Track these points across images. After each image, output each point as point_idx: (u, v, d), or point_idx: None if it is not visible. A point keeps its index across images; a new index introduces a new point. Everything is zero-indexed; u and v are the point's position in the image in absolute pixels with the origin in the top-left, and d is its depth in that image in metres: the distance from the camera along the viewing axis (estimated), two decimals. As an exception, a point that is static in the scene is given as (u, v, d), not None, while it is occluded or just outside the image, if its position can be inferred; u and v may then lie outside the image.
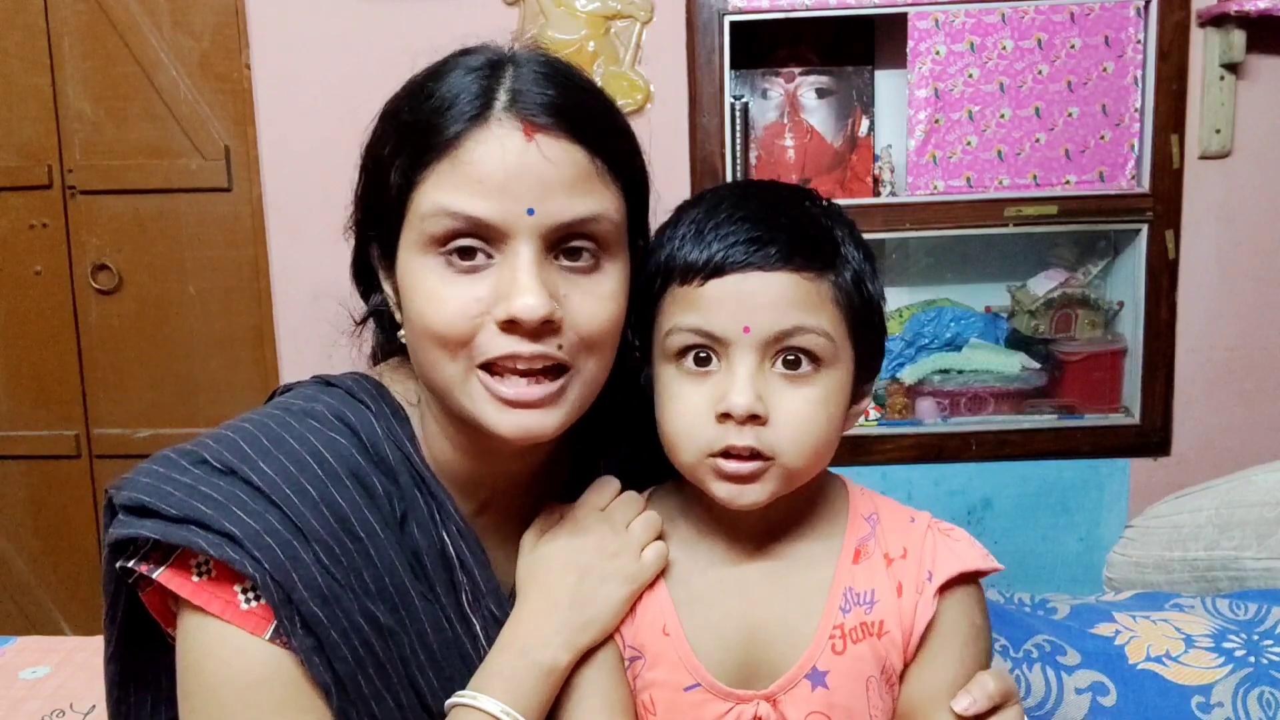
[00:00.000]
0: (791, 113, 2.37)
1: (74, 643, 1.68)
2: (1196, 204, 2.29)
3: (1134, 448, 2.37)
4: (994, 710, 0.81)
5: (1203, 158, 2.28)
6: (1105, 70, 2.25)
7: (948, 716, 0.81)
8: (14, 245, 2.46)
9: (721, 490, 0.81)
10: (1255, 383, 2.36)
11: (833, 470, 0.91)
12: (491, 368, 0.79)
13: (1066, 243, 2.42)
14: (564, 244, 0.79)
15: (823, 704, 0.82)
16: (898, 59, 2.31)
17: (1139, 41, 2.24)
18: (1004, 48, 2.25)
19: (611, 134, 0.82)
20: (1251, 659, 1.18)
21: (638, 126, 0.87)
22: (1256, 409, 2.37)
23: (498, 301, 0.77)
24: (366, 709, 0.81)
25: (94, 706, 1.46)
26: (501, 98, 0.78)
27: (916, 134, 2.28)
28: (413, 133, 0.80)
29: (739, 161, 2.32)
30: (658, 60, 2.30)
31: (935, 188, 2.29)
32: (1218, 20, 2.19)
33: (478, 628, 0.88)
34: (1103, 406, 2.40)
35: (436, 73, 0.82)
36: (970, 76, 2.26)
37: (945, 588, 0.83)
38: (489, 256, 0.78)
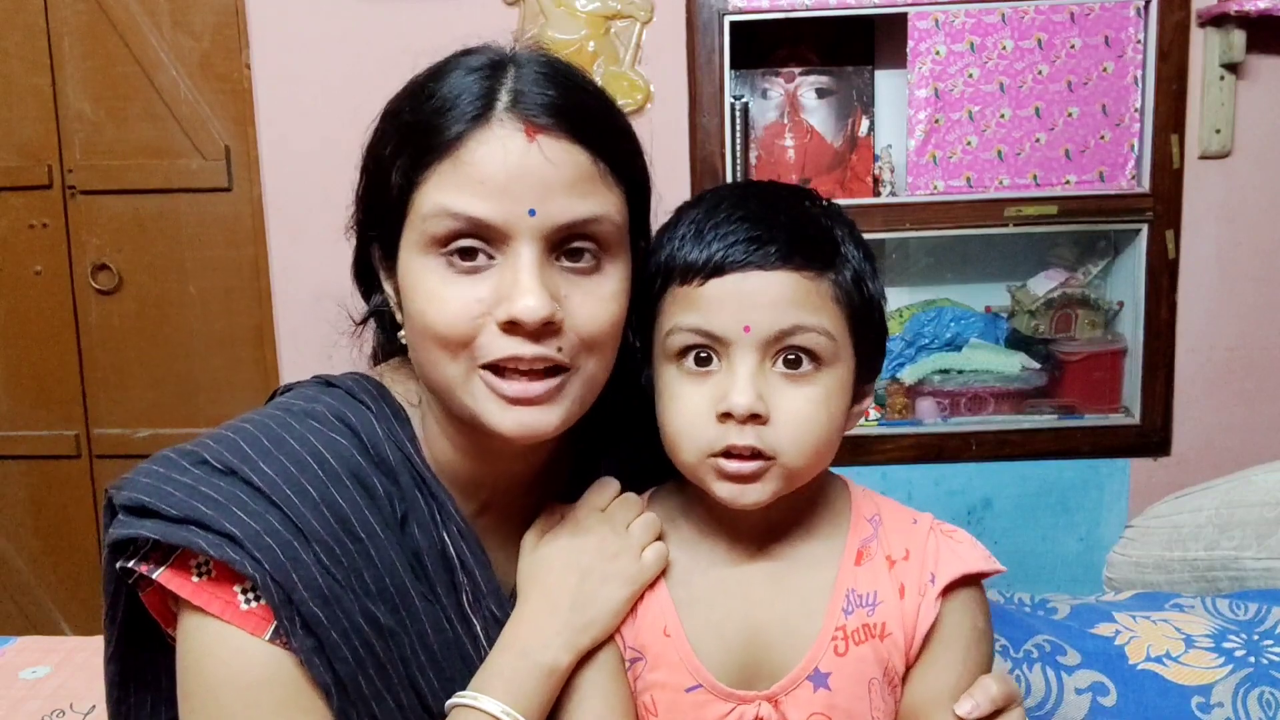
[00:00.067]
0: (791, 113, 2.37)
1: (74, 643, 1.68)
2: (1196, 204, 2.29)
3: (1134, 448, 2.37)
4: (996, 714, 0.81)
5: (1203, 158, 2.28)
6: (1105, 70, 2.25)
7: (950, 719, 0.81)
8: (14, 245, 2.46)
9: (723, 490, 0.81)
10: (1255, 383, 2.36)
11: (833, 471, 0.91)
12: (494, 368, 0.79)
13: (1066, 243, 2.42)
14: (565, 245, 0.79)
15: (824, 705, 0.82)
16: (898, 59, 2.31)
17: (1139, 41, 2.24)
18: (1004, 48, 2.25)
19: (613, 135, 0.82)
20: (1251, 659, 1.18)
21: (638, 126, 0.87)
22: (1256, 409, 2.37)
23: (499, 302, 0.77)
24: (367, 709, 0.81)
25: (94, 706, 1.46)
26: (503, 98, 0.78)
27: (916, 134, 2.28)
28: (414, 133, 0.80)
29: (739, 161, 2.32)
30: (658, 60, 2.30)
31: (935, 188, 2.29)
32: (1218, 20, 2.19)
33: (478, 628, 0.88)
34: (1103, 406, 2.40)
35: (438, 73, 0.82)
36: (970, 76, 2.26)
37: (948, 590, 0.83)
38: (490, 257, 0.78)
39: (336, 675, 0.79)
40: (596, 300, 0.81)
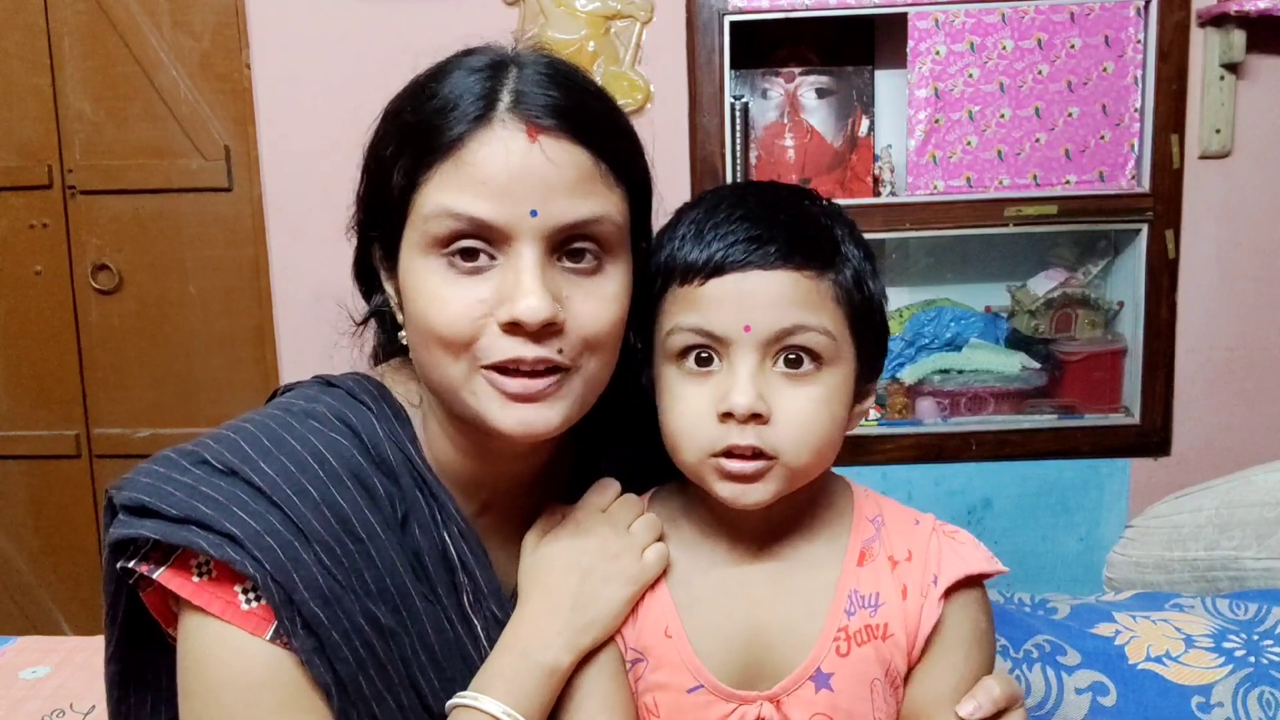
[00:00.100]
0: (791, 113, 2.37)
1: (74, 643, 1.68)
2: (1196, 204, 2.29)
3: (1134, 448, 2.37)
4: (999, 714, 0.81)
5: (1203, 158, 2.28)
6: (1105, 70, 2.25)
7: (952, 720, 0.82)
8: (14, 245, 2.46)
9: (724, 490, 0.81)
10: (1255, 383, 2.36)
11: (835, 471, 0.91)
12: (495, 368, 0.79)
13: (1066, 243, 2.42)
14: (567, 245, 0.79)
15: (827, 706, 0.82)
16: (898, 59, 2.31)
17: (1139, 41, 2.24)
18: (1004, 48, 2.25)
19: (614, 135, 0.82)
20: (1251, 659, 1.18)
21: (638, 126, 0.86)
22: (1256, 409, 2.37)
23: (501, 303, 0.77)
24: (367, 710, 0.81)
25: (94, 706, 1.46)
26: (505, 99, 0.78)
27: (916, 134, 2.28)
28: (415, 133, 0.80)
29: (739, 161, 2.32)
30: (658, 60, 2.30)
31: (935, 188, 2.29)
32: (1218, 20, 2.19)
33: (479, 629, 0.88)
34: (1103, 406, 2.40)
35: (439, 73, 0.82)
36: (970, 76, 2.26)
37: (950, 591, 0.83)
38: (492, 258, 0.78)
39: (337, 675, 0.79)
40: (598, 301, 0.80)
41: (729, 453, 0.80)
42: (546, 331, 0.77)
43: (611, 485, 0.92)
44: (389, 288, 0.87)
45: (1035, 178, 2.29)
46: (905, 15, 2.24)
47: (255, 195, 2.38)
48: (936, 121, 2.27)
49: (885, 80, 2.38)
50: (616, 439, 0.96)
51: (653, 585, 0.86)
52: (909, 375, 2.41)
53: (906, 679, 0.84)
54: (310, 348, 2.39)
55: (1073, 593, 1.40)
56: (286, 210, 2.38)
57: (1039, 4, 2.23)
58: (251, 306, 2.43)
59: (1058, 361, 2.41)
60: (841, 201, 0.90)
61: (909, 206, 2.29)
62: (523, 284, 0.76)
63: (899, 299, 2.45)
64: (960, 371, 2.40)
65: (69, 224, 2.44)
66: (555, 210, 0.77)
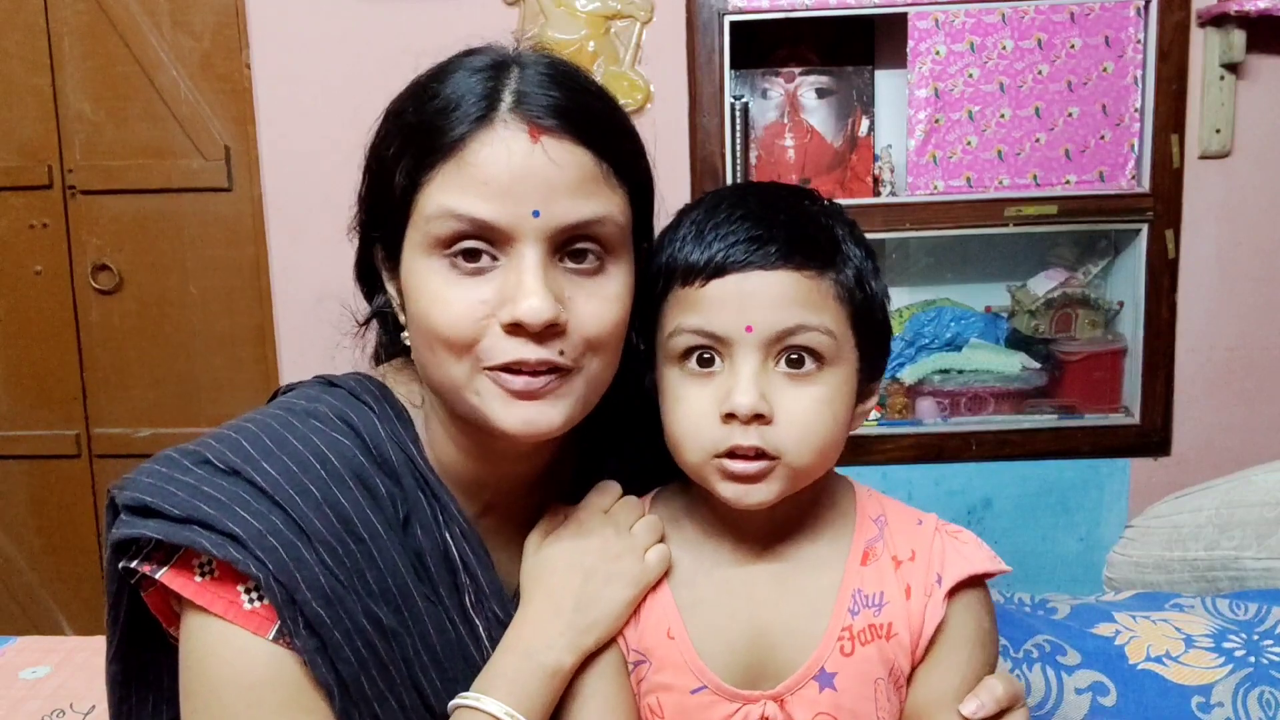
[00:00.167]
0: (791, 113, 2.37)
1: (74, 643, 1.68)
2: (1196, 204, 2.29)
3: (1134, 448, 2.37)
4: (1001, 714, 0.81)
5: (1203, 158, 2.28)
6: (1105, 70, 2.25)
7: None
8: (14, 245, 2.46)
9: (728, 490, 0.81)
10: (1255, 383, 2.36)
11: (837, 471, 0.91)
12: (498, 369, 0.79)
13: (1066, 243, 2.42)
14: (569, 246, 0.79)
15: (830, 705, 0.82)
16: (898, 59, 2.31)
17: (1139, 41, 2.24)
18: (1004, 48, 2.25)
19: (616, 136, 0.82)
20: (1251, 659, 1.18)
21: (638, 126, 0.86)
22: (1256, 409, 2.37)
23: (503, 304, 0.77)
24: (369, 710, 0.81)
25: (94, 706, 1.46)
26: (506, 99, 0.78)
27: (916, 134, 2.28)
28: (417, 134, 0.80)
29: (739, 161, 2.32)
30: (658, 60, 2.30)
31: (935, 188, 2.29)
32: (1218, 20, 2.19)
33: (481, 629, 0.88)
34: (1103, 406, 2.40)
35: (441, 73, 0.82)
36: (970, 76, 2.26)
37: (954, 591, 0.83)
38: (494, 258, 0.78)
39: (339, 675, 0.79)
40: (600, 301, 0.80)
41: (732, 453, 0.80)
42: (549, 332, 0.77)
43: (613, 487, 0.92)
44: (391, 288, 0.87)
45: (1035, 178, 2.29)
46: (905, 15, 2.24)
47: (255, 195, 2.38)
48: (936, 121, 2.27)
49: (885, 80, 2.38)
50: (619, 439, 0.96)
51: (655, 586, 0.86)
52: (909, 375, 2.41)
53: (909, 678, 0.84)
54: (311, 348, 2.39)
55: (1073, 593, 1.40)
56: (286, 210, 2.38)
57: (1039, 4, 2.23)
58: (252, 306, 2.43)
59: (1058, 361, 2.41)
60: (841, 201, 0.90)
61: (909, 206, 2.29)
62: (525, 285, 0.76)
63: (899, 299, 2.45)
64: (960, 371, 2.40)
65: (69, 224, 2.44)
66: (557, 211, 0.77)
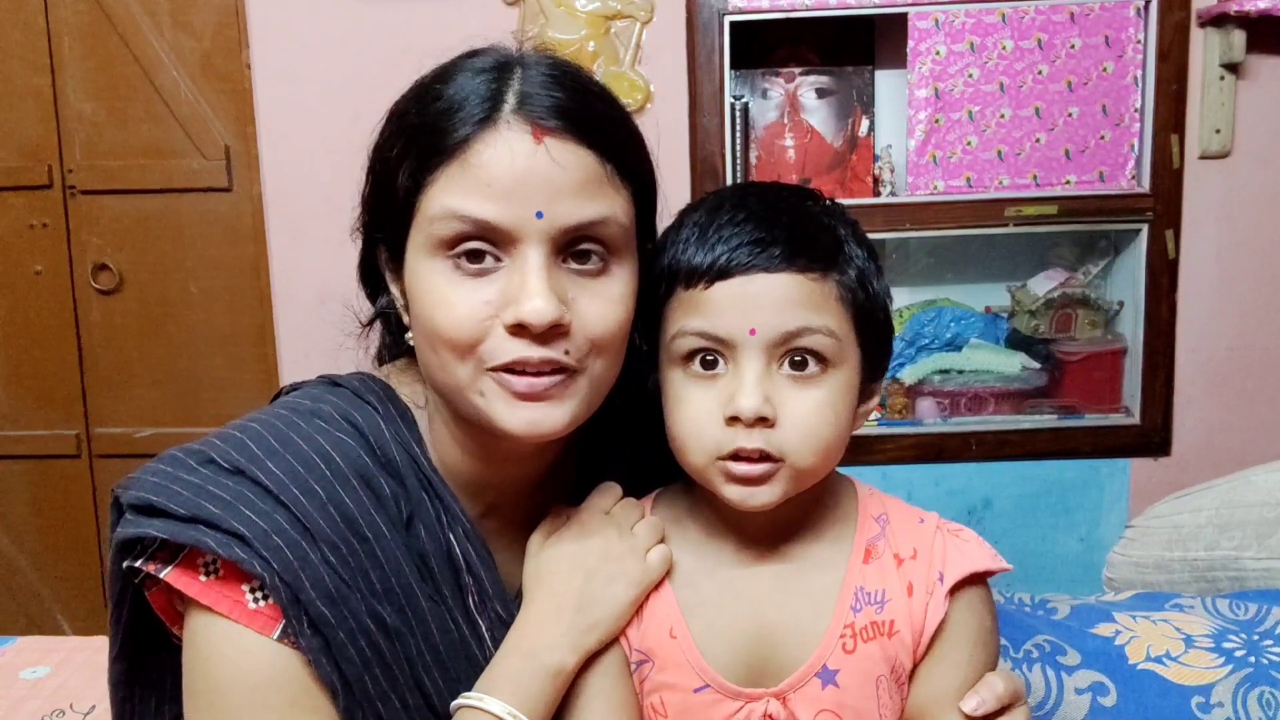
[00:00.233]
0: (791, 113, 2.38)
1: (74, 643, 1.68)
2: (1196, 204, 2.29)
3: (1134, 448, 2.37)
4: (1002, 711, 0.82)
5: (1203, 158, 2.28)
6: (1105, 70, 2.26)
7: (956, 717, 0.82)
8: (14, 245, 2.46)
9: (731, 492, 0.81)
10: (1255, 383, 2.36)
11: (839, 471, 0.91)
12: (501, 369, 0.79)
13: (1066, 243, 2.42)
14: (573, 247, 0.79)
15: (833, 703, 0.82)
16: (898, 59, 2.31)
17: (1139, 41, 2.24)
18: (1004, 48, 2.25)
19: (620, 137, 0.82)
20: (1251, 659, 1.18)
21: (638, 127, 0.87)
22: (1256, 409, 2.37)
23: (506, 305, 0.77)
24: (373, 710, 0.81)
25: (94, 706, 1.46)
26: (510, 100, 0.78)
27: (916, 134, 2.28)
28: (421, 135, 0.80)
29: (739, 161, 2.32)
30: (658, 60, 2.30)
31: (935, 188, 2.29)
32: (1218, 20, 2.19)
33: (484, 629, 0.88)
34: (1103, 406, 2.40)
35: (444, 74, 0.82)
36: (970, 76, 2.26)
37: (955, 589, 0.84)
38: (497, 259, 0.78)
39: (343, 675, 0.79)
40: (604, 302, 0.81)
41: (736, 455, 0.80)
42: (552, 333, 0.77)
43: (614, 488, 0.92)
44: (395, 289, 0.87)
45: (1035, 178, 2.29)
46: (905, 15, 2.24)
47: (255, 195, 2.38)
48: (936, 121, 2.28)
49: (885, 80, 2.38)
50: (621, 440, 0.96)
51: (657, 587, 0.86)
52: (909, 375, 2.41)
53: (911, 676, 0.85)
54: (312, 347, 2.39)
55: (1073, 593, 1.40)
56: (286, 210, 2.38)
57: (1039, 4, 2.23)
58: (252, 306, 2.43)
59: (1058, 361, 2.41)
60: (842, 201, 0.90)
61: (909, 206, 2.29)
62: (529, 286, 0.76)
63: (899, 299, 2.45)
64: (960, 371, 2.40)
65: (69, 224, 2.44)
66: (561, 212, 0.77)
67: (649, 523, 0.89)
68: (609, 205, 0.79)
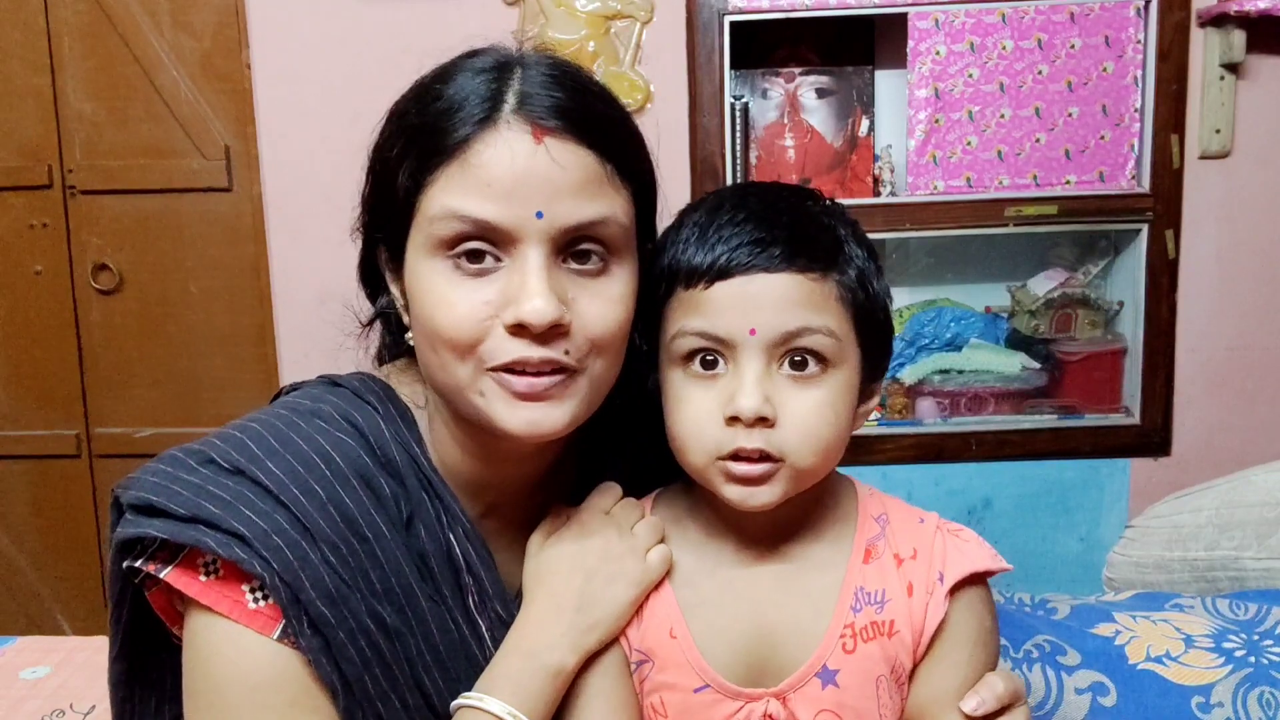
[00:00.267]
0: (791, 113, 2.38)
1: (74, 643, 1.68)
2: (1196, 204, 2.29)
3: (1134, 448, 2.37)
4: (1002, 711, 0.82)
5: (1203, 158, 2.28)
6: (1105, 70, 2.26)
7: (956, 717, 0.82)
8: (14, 245, 2.46)
9: (732, 492, 0.81)
10: (1255, 383, 2.36)
11: (840, 471, 0.91)
12: (501, 369, 0.79)
13: (1066, 243, 2.42)
14: (573, 247, 0.79)
15: (833, 703, 0.82)
16: (898, 59, 2.31)
17: (1139, 41, 2.24)
18: (1004, 48, 2.25)
19: (620, 137, 0.82)
20: (1251, 659, 1.18)
21: (639, 127, 0.87)
22: (1256, 409, 2.37)
23: (506, 305, 0.77)
24: (373, 710, 0.81)
25: (94, 706, 1.46)
26: (510, 100, 0.78)
27: (916, 134, 2.28)
28: (421, 135, 0.80)
29: (739, 161, 2.32)
30: (658, 60, 2.30)
31: (935, 188, 2.29)
32: (1218, 20, 2.20)
33: (484, 629, 0.88)
34: (1103, 406, 2.40)
35: (444, 74, 0.82)
36: (970, 76, 2.26)
37: (955, 588, 0.84)
38: (497, 259, 0.78)
39: (343, 675, 0.79)
40: (604, 302, 0.81)
41: (736, 456, 0.80)
42: (553, 333, 0.77)
43: (613, 488, 0.92)
44: (395, 289, 0.87)
45: (1035, 178, 2.29)
46: (905, 15, 2.24)
47: (255, 195, 2.38)
48: (936, 121, 2.28)
49: (885, 80, 2.38)
50: (621, 440, 0.96)
51: (657, 587, 0.86)
52: (909, 375, 2.41)
53: (911, 676, 0.85)
54: (312, 347, 2.39)
55: (1073, 593, 1.40)
56: (286, 210, 2.38)
57: (1039, 4, 2.23)
58: (252, 306, 2.43)
59: (1058, 361, 2.41)
60: (842, 201, 0.90)
61: (909, 206, 2.29)
62: (529, 286, 0.76)
63: (899, 299, 2.45)
64: (960, 371, 2.40)
65: (69, 224, 2.44)
66: (561, 212, 0.77)
67: (649, 523, 0.89)
68: (609, 205, 0.79)
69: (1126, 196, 2.28)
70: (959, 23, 2.24)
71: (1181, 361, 2.35)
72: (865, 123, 2.36)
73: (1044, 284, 2.39)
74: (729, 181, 2.31)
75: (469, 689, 0.83)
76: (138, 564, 0.80)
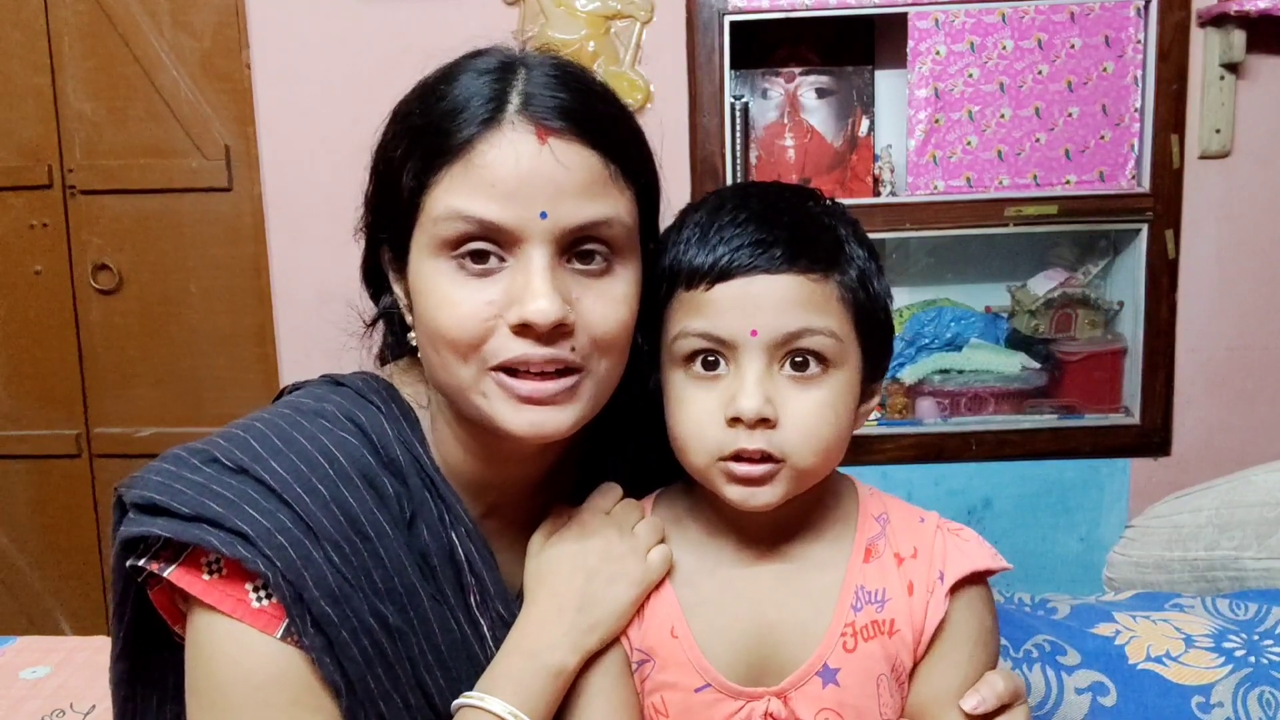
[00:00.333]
0: (791, 113, 2.38)
1: (74, 643, 1.68)
2: (1196, 204, 2.29)
3: (1134, 448, 2.37)
4: (1002, 709, 0.82)
5: (1203, 158, 2.28)
6: (1105, 70, 2.26)
7: (957, 716, 0.82)
8: (14, 245, 2.46)
9: (733, 493, 0.81)
10: (1255, 383, 2.36)
11: (840, 471, 0.91)
12: (505, 369, 0.79)
13: (1066, 243, 2.43)
14: (576, 247, 0.79)
15: (834, 701, 0.82)
16: (898, 59, 2.31)
17: (1139, 41, 2.24)
18: (1004, 48, 2.25)
19: (623, 137, 0.83)
20: (1251, 659, 1.18)
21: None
22: (1256, 409, 2.37)
23: (510, 305, 0.77)
24: (375, 709, 0.82)
25: (94, 706, 1.46)
26: (514, 101, 0.78)
27: (916, 134, 2.28)
28: (424, 135, 0.80)
29: (739, 161, 2.32)
30: (658, 60, 2.30)
31: (935, 188, 2.29)
32: (1218, 20, 2.20)
33: (485, 629, 0.88)
34: (1103, 406, 2.40)
35: (447, 75, 0.82)
36: (970, 76, 2.26)
37: (956, 588, 0.84)
38: (501, 260, 0.79)
39: (346, 674, 0.79)
40: (608, 302, 0.81)
41: (737, 456, 0.80)
42: (556, 333, 0.78)
43: (614, 489, 0.92)
44: (398, 289, 0.87)
45: (1035, 178, 2.29)
46: (905, 15, 2.24)
47: (255, 195, 2.38)
48: (936, 121, 2.28)
49: (885, 80, 2.38)
50: (622, 440, 0.96)
51: (658, 586, 0.87)
52: (909, 375, 2.41)
53: (911, 675, 0.85)
54: (313, 347, 2.39)
55: (1073, 593, 1.40)
56: (286, 210, 2.38)
57: (1039, 4, 2.23)
58: (252, 306, 2.43)
59: (1058, 361, 2.41)
60: (842, 201, 0.90)
61: (909, 206, 2.29)
62: (533, 286, 0.76)
63: (899, 299, 2.45)
64: (960, 371, 2.40)
65: (69, 224, 2.44)
66: (565, 212, 0.77)
67: (649, 523, 0.89)
68: (613, 205, 0.80)
69: (1126, 196, 2.28)
70: (959, 23, 2.24)
71: (1181, 361, 2.35)
72: (865, 123, 2.37)
73: (1044, 284, 2.39)
74: (729, 181, 2.31)
75: (470, 688, 0.83)
76: (141, 563, 0.80)
